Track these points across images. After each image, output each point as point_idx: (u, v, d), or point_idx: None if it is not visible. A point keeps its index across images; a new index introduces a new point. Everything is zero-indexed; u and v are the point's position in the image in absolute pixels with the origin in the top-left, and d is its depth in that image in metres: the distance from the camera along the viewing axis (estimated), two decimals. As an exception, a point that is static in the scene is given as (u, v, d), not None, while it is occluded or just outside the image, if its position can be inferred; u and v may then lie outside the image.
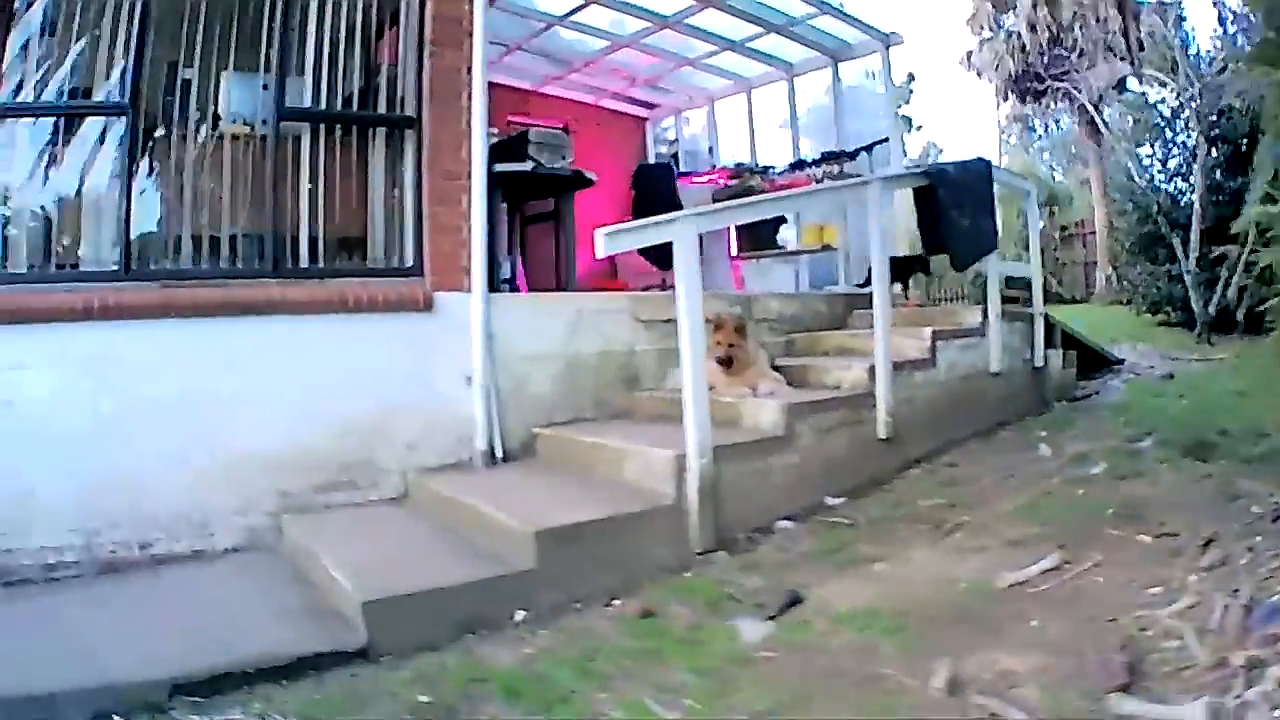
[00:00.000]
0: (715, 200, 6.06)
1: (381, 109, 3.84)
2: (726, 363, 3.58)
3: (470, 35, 3.70)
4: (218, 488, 3.28)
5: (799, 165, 5.96)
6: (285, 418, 3.37)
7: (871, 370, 3.63)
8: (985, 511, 3.18)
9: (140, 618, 2.65)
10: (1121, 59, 8.22)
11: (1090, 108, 8.87)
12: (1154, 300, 7.81)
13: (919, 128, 7.55)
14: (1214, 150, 7.23)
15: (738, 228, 6.08)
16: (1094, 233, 10.38)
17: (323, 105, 3.73)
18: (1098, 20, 8.45)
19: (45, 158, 3.44)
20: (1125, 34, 8.33)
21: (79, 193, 3.48)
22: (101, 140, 3.48)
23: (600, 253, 2.76)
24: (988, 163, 4.78)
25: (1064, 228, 11.41)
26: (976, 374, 4.36)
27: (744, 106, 6.82)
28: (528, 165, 4.09)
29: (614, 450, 3.19)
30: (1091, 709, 1.71)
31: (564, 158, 4.20)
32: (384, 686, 2.20)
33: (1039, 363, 4.88)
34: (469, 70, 3.70)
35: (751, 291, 4.96)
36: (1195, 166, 7.06)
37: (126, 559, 3.15)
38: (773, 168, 6.08)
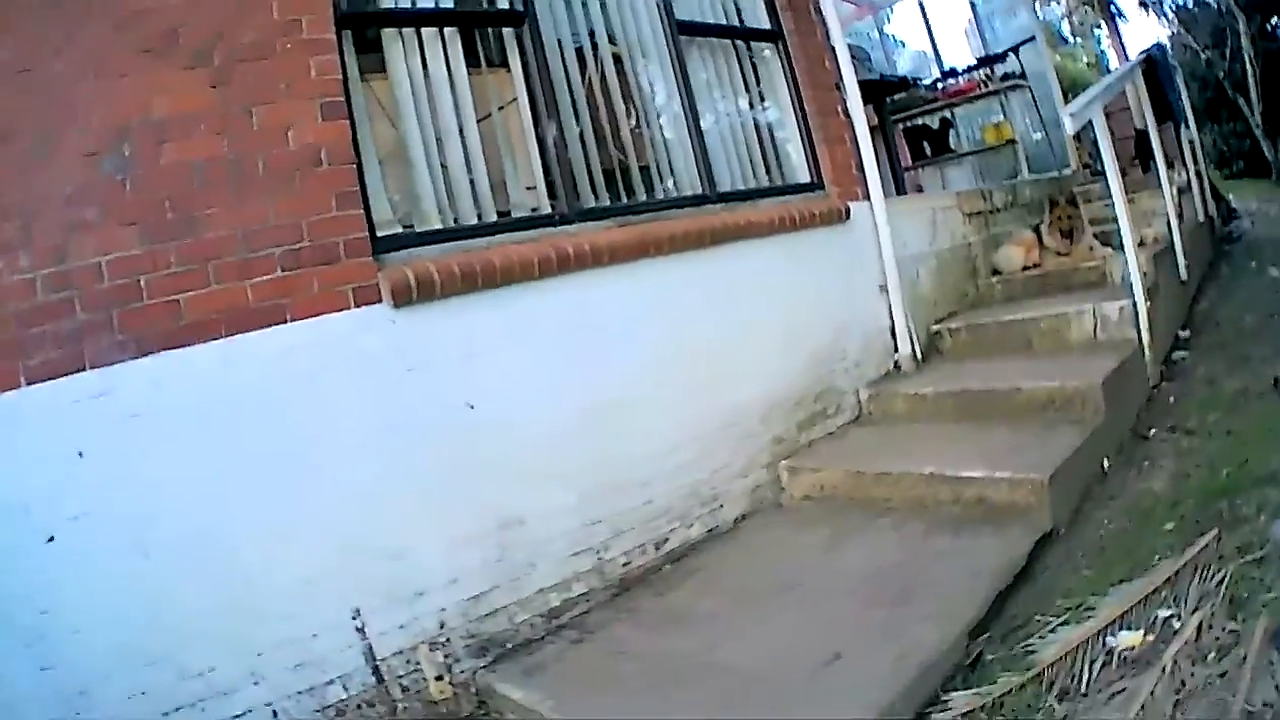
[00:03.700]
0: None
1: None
2: (1069, 234, 4.18)
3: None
4: (722, 448, 2.95)
5: (950, 74, 6.52)
6: (765, 353, 3.18)
7: (1168, 224, 4.32)
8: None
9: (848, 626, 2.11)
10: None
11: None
12: (1224, 157, 8.87)
13: (903, 44, 8.15)
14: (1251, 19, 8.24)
15: (909, 139, 6.65)
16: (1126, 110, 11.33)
17: (697, 18, 3.50)
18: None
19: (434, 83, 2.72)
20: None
21: (485, 119, 2.80)
22: (476, 58, 2.95)
23: (1069, 130, 3.23)
24: (1165, 48, 5.53)
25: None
26: (1193, 223, 5.15)
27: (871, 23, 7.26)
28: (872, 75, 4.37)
29: (1050, 318, 3.57)
30: None
31: (869, 68, 4.53)
32: (1132, 537, 2.30)
33: (1212, 213, 5.75)
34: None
35: (981, 187, 5.48)
36: (1242, 35, 8.02)
37: (641, 567, 2.62)
38: (921, 79, 6.59)
